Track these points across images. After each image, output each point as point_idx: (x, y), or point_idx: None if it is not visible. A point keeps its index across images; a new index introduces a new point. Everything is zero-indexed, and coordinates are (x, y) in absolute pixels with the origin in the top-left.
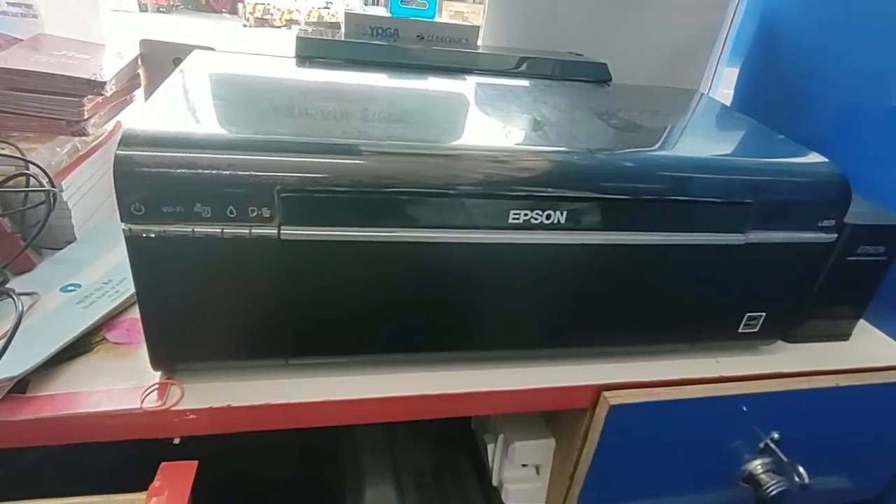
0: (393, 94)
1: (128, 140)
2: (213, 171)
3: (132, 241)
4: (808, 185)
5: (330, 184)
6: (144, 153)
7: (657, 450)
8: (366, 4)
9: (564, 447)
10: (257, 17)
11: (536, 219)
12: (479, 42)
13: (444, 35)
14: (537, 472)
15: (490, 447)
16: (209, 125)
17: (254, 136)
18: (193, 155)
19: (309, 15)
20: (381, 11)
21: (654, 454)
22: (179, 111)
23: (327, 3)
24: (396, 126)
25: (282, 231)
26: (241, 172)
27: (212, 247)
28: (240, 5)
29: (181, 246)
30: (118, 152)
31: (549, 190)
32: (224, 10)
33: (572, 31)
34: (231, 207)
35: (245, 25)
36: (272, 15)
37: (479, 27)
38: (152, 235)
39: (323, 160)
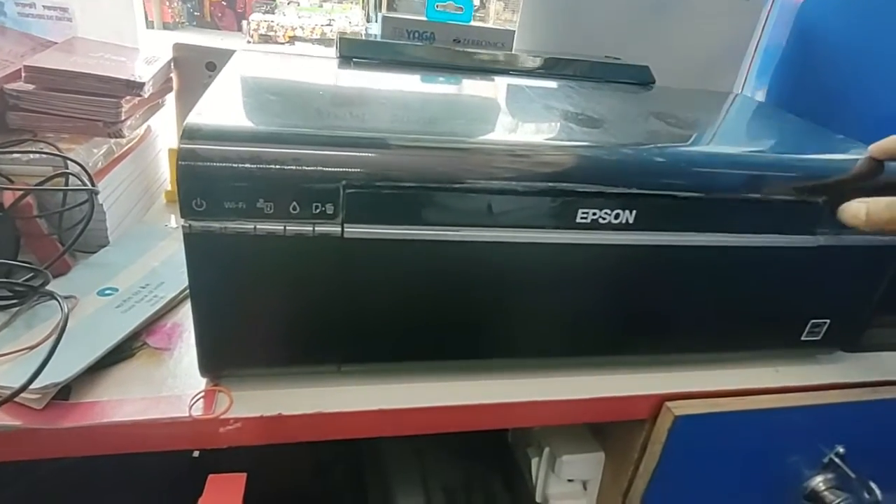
0: (450, 93)
1: (191, 133)
2: (278, 166)
3: (191, 238)
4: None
5: (397, 179)
6: (208, 147)
7: (716, 464)
8: (368, 21)
9: (616, 461)
10: (261, 34)
11: (604, 218)
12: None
13: (480, 39)
14: (584, 488)
15: (534, 461)
16: (269, 120)
17: (319, 130)
18: (258, 149)
19: (312, 32)
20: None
21: (712, 469)
22: (236, 107)
23: (329, 20)
24: (460, 123)
25: (345, 229)
26: (306, 167)
27: (273, 245)
28: (244, 22)
29: (241, 244)
30: (182, 146)
31: (619, 188)
32: (229, 27)
33: (603, 37)
34: (294, 204)
35: (249, 42)
36: (276, 32)
37: (513, 31)
38: (212, 233)
39: (391, 155)
